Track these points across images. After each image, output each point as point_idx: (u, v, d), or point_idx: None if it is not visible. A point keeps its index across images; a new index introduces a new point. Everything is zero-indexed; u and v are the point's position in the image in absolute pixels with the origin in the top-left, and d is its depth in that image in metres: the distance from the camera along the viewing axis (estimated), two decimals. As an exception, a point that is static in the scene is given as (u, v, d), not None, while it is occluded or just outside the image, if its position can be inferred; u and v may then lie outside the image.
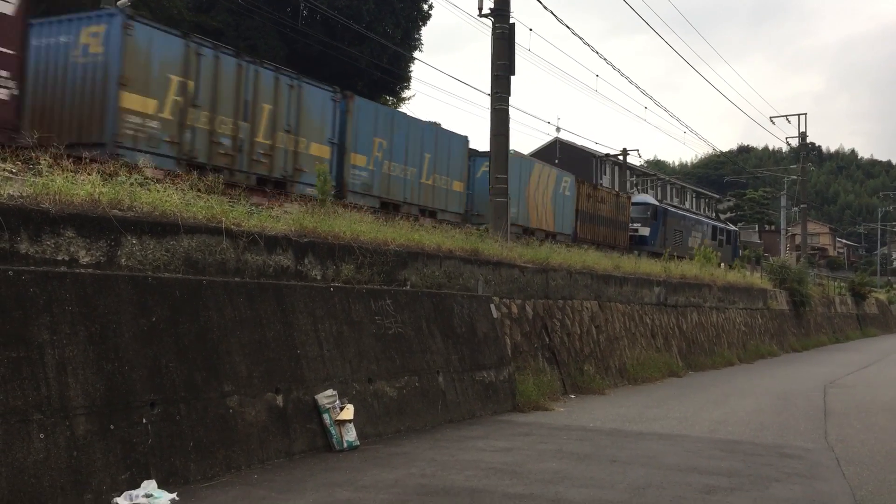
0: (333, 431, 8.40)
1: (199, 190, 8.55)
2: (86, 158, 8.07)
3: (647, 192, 61.07)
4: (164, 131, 14.05)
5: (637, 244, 32.66)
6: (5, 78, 10.65)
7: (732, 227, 49.04)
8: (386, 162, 19.69)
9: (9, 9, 10.79)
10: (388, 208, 19.25)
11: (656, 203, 38.35)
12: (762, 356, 25.42)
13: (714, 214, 74.21)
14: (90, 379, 6.28)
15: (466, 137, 23.86)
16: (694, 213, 44.62)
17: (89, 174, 7.46)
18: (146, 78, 13.74)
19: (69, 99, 13.31)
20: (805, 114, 46.70)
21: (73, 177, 7.39)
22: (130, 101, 13.39)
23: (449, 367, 10.92)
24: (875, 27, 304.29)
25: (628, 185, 54.97)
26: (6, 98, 10.49)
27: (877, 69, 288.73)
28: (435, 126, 22.54)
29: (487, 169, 20.57)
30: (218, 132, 15.10)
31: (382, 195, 19.68)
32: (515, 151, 26.85)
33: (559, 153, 56.53)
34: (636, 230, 34.30)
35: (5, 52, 10.73)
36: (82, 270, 6.69)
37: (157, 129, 13.89)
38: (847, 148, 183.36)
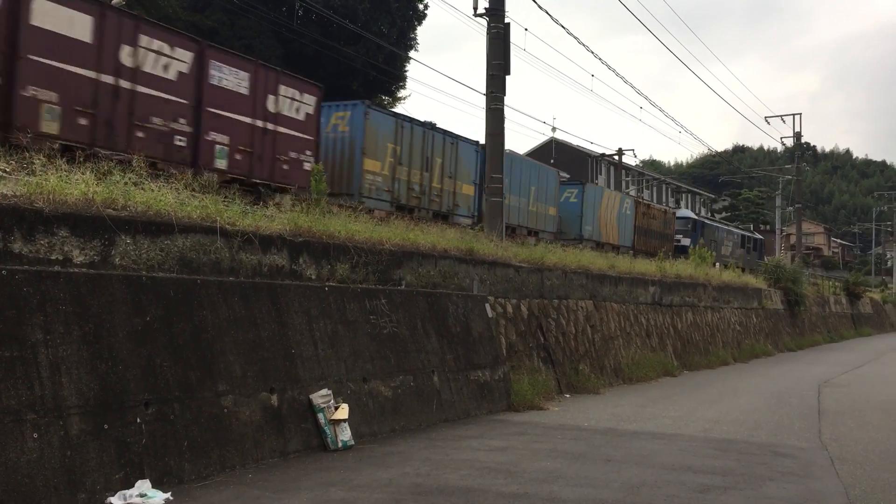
0: (328, 431, 8.40)
1: (193, 189, 8.55)
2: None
3: (642, 192, 61.18)
4: (384, 183, 19.02)
5: (679, 252, 36.04)
6: (309, 155, 16.06)
7: (758, 236, 52.11)
8: (507, 194, 22.87)
9: (312, 109, 16.26)
10: (509, 231, 23.42)
11: (696, 217, 43.02)
12: (757, 355, 25.48)
13: (709, 214, 74.32)
14: (84, 378, 6.28)
15: (557, 171, 29.37)
16: (725, 225, 47.11)
17: (83, 173, 7.45)
18: (375, 147, 18.63)
19: (329, 163, 17.81)
20: (800, 114, 46.94)
21: (67, 176, 7.39)
22: (368, 164, 18.42)
23: (444, 366, 10.93)
24: (871, 26, 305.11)
25: (623, 185, 55.02)
26: (309, 168, 15.12)
27: (872, 69, 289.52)
28: (538, 165, 28.04)
29: (570, 195, 29.24)
30: (412, 181, 20.03)
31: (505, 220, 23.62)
32: (596, 183, 33.25)
33: (555, 153, 56.50)
34: (678, 240, 38.48)
35: (310, 139, 16.16)
36: (76, 270, 6.68)
37: (381, 182, 18.88)
38: (842, 147, 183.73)
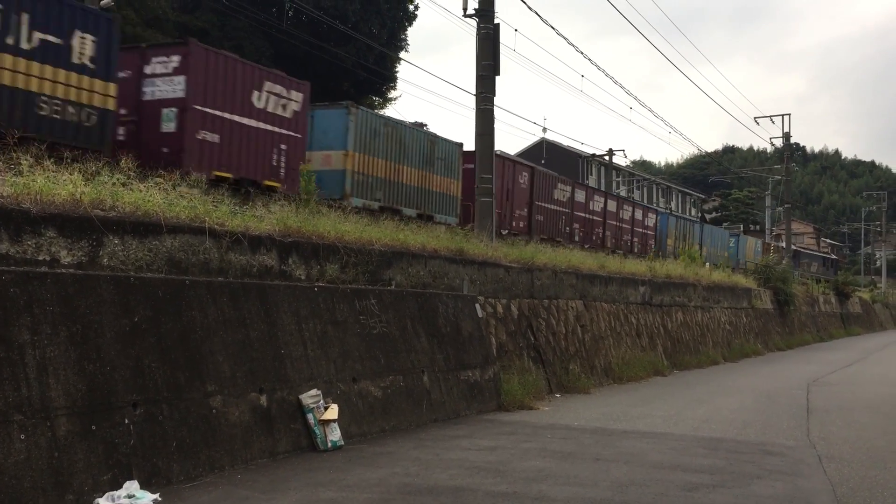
0: (318, 431, 8.39)
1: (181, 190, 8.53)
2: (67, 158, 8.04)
3: (633, 193, 61.34)
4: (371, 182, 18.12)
5: None
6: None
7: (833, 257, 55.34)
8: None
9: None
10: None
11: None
12: (747, 355, 25.57)
13: (700, 215, 74.57)
14: (71, 379, 6.26)
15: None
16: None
17: (70, 174, 7.43)
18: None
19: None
20: (789, 114, 46.98)
21: (54, 177, 7.37)
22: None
23: (434, 366, 10.93)
24: (856, 30, 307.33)
25: (614, 185, 55.16)
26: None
27: (857, 71, 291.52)
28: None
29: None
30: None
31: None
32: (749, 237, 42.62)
33: (545, 153, 56.60)
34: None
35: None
36: (63, 271, 6.66)
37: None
38: (831, 148, 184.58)
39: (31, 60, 11.64)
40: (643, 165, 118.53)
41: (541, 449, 8.92)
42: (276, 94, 15.58)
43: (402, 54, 35.06)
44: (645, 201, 61.04)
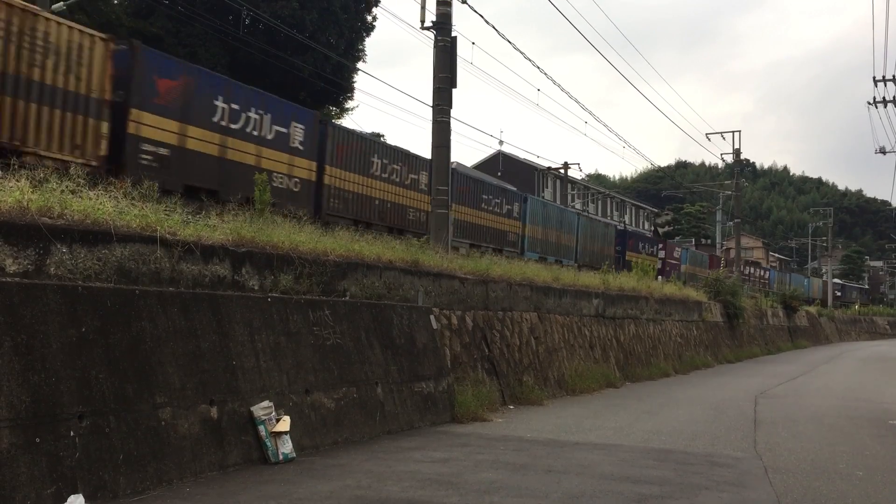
0: (269, 444, 8.31)
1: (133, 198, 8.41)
2: (14, 165, 7.89)
3: (587, 206, 62.00)
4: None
5: None
6: None
7: None
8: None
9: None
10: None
11: None
12: (697, 367, 25.97)
13: (653, 228, 75.64)
14: (15, 391, 6.11)
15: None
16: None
17: (17, 181, 7.28)
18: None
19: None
20: (739, 131, 48.03)
21: (0, 184, 7.21)
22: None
23: (388, 378, 10.91)
24: (799, 53, 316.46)
25: (569, 198, 55.68)
26: None
27: (802, 92, 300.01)
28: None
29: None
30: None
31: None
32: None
33: (501, 166, 57.00)
34: None
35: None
36: (9, 279, 6.51)
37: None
38: (780, 165, 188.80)
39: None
40: (598, 179, 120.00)
41: (493, 461, 8.95)
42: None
43: (360, 65, 35.07)
44: (599, 215, 61.79)
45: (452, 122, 16.76)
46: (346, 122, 34.39)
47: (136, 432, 6.99)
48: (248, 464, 8.08)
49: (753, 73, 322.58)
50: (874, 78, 29.29)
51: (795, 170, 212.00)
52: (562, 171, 52.17)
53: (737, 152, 45.49)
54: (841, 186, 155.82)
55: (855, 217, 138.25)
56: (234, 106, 16.01)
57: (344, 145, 19.51)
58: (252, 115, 16.48)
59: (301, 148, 17.82)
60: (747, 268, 37.84)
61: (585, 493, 7.47)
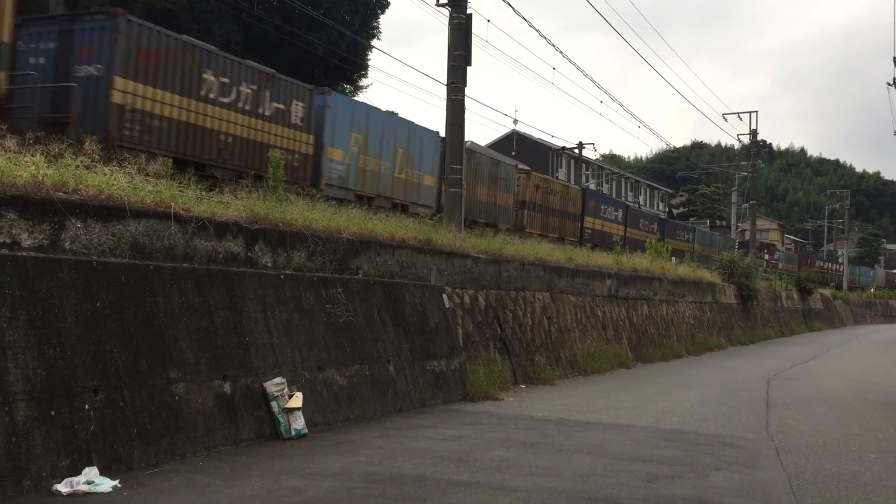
0: (281, 419, 8.37)
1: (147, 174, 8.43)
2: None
3: (602, 186, 61.76)
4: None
5: None
6: None
7: None
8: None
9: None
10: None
11: None
12: (710, 349, 25.91)
13: (667, 209, 75.28)
14: (31, 364, 6.17)
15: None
16: None
17: (33, 155, 7.31)
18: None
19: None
20: (756, 111, 47.54)
21: (16, 158, 7.24)
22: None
23: (400, 355, 10.94)
24: (816, 33, 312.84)
25: (584, 178, 55.47)
26: None
27: (819, 73, 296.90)
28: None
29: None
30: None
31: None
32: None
33: (516, 145, 56.82)
34: None
35: None
36: (24, 254, 6.56)
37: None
38: (797, 146, 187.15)
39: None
40: (613, 159, 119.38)
41: (504, 439, 8.99)
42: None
43: (374, 42, 34.93)
44: (614, 195, 61.54)
45: (467, 100, 16.68)
46: (361, 99, 34.28)
47: (150, 406, 7.06)
48: (260, 439, 8.15)
49: (770, 52, 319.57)
50: (895, 58, 28.90)
51: (812, 151, 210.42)
52: (576, 150, 51.93)
53: (753, 133, 45.10)
54: (858, 168, 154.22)
55: (872, 199, 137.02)
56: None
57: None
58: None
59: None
60: (819, 262, 38.85)
61: (596, 471, 7.49)
